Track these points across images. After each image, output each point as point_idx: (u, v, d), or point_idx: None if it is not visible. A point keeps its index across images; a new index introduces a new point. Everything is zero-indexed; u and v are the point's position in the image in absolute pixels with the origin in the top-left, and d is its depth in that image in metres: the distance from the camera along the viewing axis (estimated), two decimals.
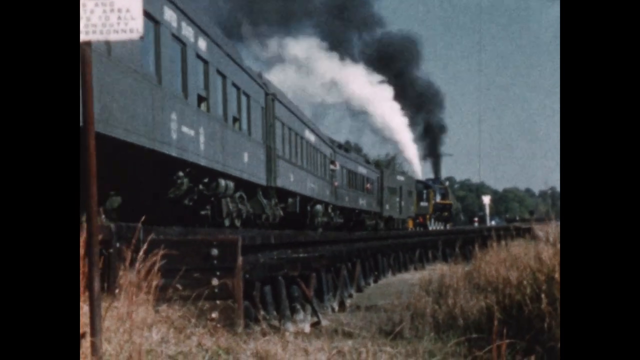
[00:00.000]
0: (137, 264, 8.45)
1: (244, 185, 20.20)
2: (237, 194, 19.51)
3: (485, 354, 9.10)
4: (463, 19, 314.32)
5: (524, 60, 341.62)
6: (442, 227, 68.09)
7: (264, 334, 9.91)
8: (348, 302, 22.58)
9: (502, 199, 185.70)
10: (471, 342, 10.79)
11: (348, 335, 12.34)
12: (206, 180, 16.83)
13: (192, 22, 15.78)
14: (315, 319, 16.74)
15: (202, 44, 16.45)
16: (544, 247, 12.43)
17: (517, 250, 18.72)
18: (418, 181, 72.01)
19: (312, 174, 30.72)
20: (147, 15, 12.61)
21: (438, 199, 73.07)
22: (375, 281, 29.89)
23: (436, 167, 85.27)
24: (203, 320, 9.86)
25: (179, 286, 9.93)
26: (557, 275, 10.36)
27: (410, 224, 64.45)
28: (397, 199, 58.54)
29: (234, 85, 19.42)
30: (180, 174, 15.13)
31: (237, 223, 19.28)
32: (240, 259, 10.63)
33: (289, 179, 25.60)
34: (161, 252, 8.55)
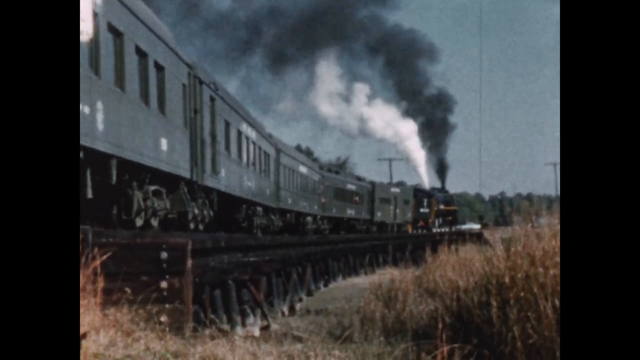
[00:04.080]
0: (82, 267, 8.37)
1: (265, 208, 31.76)
2: (261, 214, 30.58)
3: (433, 359, 9.17)
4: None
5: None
6: (447, 229, 74.37)
7: (212, 338, 9.87)
8: (298, 306, 22.61)
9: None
10: (420, 346, 10.86)
11: (297, 339, 12.35)
12: (252, 208, 28.40)
13: (251, 124, 28.81)
14: (265, 323, 16.74)
15: (253, 134, 29.29)
16: (492, 252, 12.54)
17: (467, 255, 18.90)
18: (418, 190, 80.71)
19: (303, 196, 42.89)
20: (237, 131, 25.65)
21: (441, 205, 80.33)
22: (326, 285, 29.96)
23: (442, 178, 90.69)
24: (152, 323, 9.79)
25: (127, 289, 9.85)
26: (507, 280, 10.46)
27: (409, 227, 74.11)
28: (391, 207, 68.57)
29: (264, 151, 32.17)
30: (244, 205, 27.11)
31: (260, 232, 29.46)
32: (189, 263, 10.55)
33: (288, 202, 37.85)
34: (108, 255, 8.48)
